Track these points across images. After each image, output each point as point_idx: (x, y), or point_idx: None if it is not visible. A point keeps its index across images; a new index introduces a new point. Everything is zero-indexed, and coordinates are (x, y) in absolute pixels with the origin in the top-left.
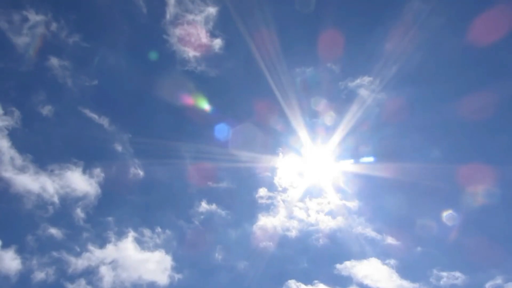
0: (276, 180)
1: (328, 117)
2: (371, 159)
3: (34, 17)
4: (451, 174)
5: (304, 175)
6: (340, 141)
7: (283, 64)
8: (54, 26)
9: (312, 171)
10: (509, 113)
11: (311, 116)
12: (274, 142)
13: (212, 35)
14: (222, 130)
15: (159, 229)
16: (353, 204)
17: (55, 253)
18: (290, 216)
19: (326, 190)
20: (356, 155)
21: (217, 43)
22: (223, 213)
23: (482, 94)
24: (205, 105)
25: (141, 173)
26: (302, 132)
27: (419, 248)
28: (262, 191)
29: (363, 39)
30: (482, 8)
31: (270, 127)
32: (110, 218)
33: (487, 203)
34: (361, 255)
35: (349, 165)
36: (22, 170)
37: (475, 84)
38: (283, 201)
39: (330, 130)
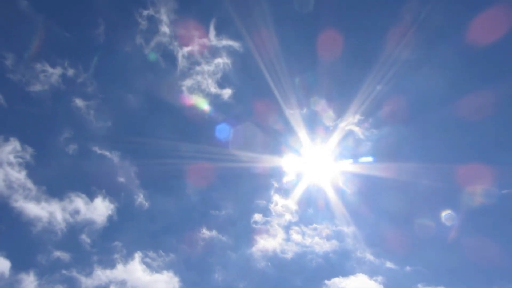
0: (272, 206)
1: (328, 117)
2: (370, 159)
3: (49, 68)
4: (451, 174)
5: (303, 176)
6: (340, 141)
7: (283, 64)
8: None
9: (312, 171)
10: (509, 113)
11: (311, 116)
12: (274, 142)
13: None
14: (224, 177)
15: (163, 253)
16: (349, 229)
17: (65, 272)
18: (287, 239)
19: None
20: (355, 155)
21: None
22: (223, 238)
23: (482, 94)
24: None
25: (146, 203)
26: (301, 132)
27: (407, 267)
28: (259, 217)
29: (363, 38)
30: (482, 8)
31: (270, 127)
32: (116, 243)
33: (486, 203)
34: (350, 271)
35: (348, 165)
36: (34, 199)
37: (475, 84)
38: (279, 225)
39: (330, 130)
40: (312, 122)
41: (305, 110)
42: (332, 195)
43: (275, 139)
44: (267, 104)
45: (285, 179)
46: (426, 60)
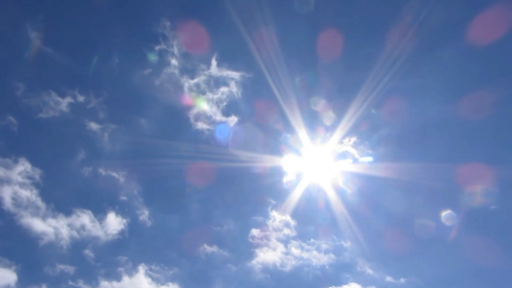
0: (270, 222)
1: (328, 117)
2: (370, 159)
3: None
4: (451, 174)
5: (303, 176)
6: (340, 140)
7: (283, 64)
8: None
9: (312, 171)
10: (509, 113)
11: (311, 116)
12: (274, 142)
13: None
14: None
15: (166, 267)
16: (346, 244)
17: (72, 283)
18: (286, 253)
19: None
20: (355, 155)
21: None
22: (224, 253)
23: (482, 94)
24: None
25: (150, 221)
26: (301, 132)
27: (402, 279)
28: (256, 232)
29: (362, 38)
30: (482, 8)
31: (270, 127)
32: (122, 257)
33: (486, 203)
34: (344, 281)
35: (348, 165)
36: (43, 215)
37: (475, 84)
38: (277, 239)
39: (330, 129)
40: (312, 122)
41: (305, 110)
42: (332, 195)
43: (275, 139)
44: (267, 104)
45: (285, 179)
46: (426, 60)
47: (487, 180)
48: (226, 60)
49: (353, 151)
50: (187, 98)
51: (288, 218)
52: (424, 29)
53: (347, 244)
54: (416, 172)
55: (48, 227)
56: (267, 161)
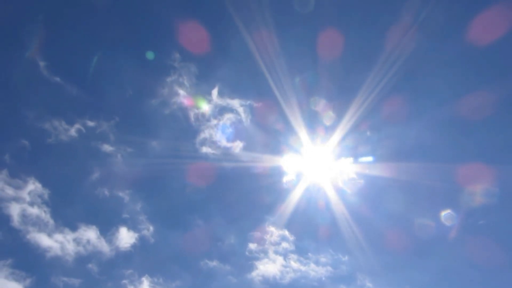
0: (268, 237)
1: (328, 117)
2: (370, 158)
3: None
4: (451, 174)
5: (303, 176)
6: (340, 140)
7: (283, 64)
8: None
9: (312, 171)
10: (509, 113)
11: (311, 116)
12: (274, 142)
13: None
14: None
15: (169, 280)
16: (344, 258)
17: None
18: (285, 266)
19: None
20: (355, 155)
21: None
22: (224, 268)
23: (482, 94)
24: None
25: (152, 239)
26: (302, 132)
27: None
28: (253, 246)
29: (362, 38)
30: (482, 8)
31: (270, 127)
32: (124, 271)
33: (486, 203)
34: None
35: (348, 165)
36: (50, 230)
37: (475, 84)
38: (276, 252)
39: (330, 129)
40: (312, 122)
41: (305, 110)
42: (331, 195)
43: (275, 139)
44: (267, 104)
45: (285, 179)
46: (426, 60)
47: (487, 180)
48: (229, 87)
49: (353, 151)
50: (193, 124)
51: (286, 233)
52: (424, 29)
53: (345, 258)
54: (416, 172)
55: (54, 242)
56: (267, 161)
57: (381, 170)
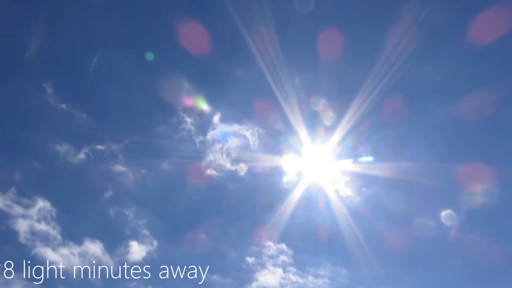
0: (266, 251)
1: (328, 117)
2: (370, 158)
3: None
4: (451, 174)
5: (303, 176)
6: (340, 140)
7: (283, 64)
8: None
9: (312, 171)
10: (509, 113)
11: (311, 116)
12: (274, 142)
13: None
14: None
15: None
16: (342, 271)
17: None
18: (284, 278)
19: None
20: (355, 155)
21: None
22: (225, 281)
23: (482, 94)
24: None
25: (155, 255)
26: (302, 132)
27: None
28: (251, 260)
29: (362, 38)
30: (482, 8)
31: (270, 127)
32: (127, 284)
33: (486, 203)
34: None
35: (348, 165)
36: (58, 246)
37: (475, 84)
38: (275, 265)
39: (330, 129)
40: (312, 122)
41: (305, 110)
42: (331, 195)
43: (275, 139)
44: (267, 104)
45: (285, 179)
46: (426, 60)
47: (487, 180)
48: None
49: (353, 151)
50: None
51: (283, 247)
52: (424, 29)
53: (342, 271)
54: (416, 172)
55: (60, 256)
56: (267, 161)
57: (381, 170)
